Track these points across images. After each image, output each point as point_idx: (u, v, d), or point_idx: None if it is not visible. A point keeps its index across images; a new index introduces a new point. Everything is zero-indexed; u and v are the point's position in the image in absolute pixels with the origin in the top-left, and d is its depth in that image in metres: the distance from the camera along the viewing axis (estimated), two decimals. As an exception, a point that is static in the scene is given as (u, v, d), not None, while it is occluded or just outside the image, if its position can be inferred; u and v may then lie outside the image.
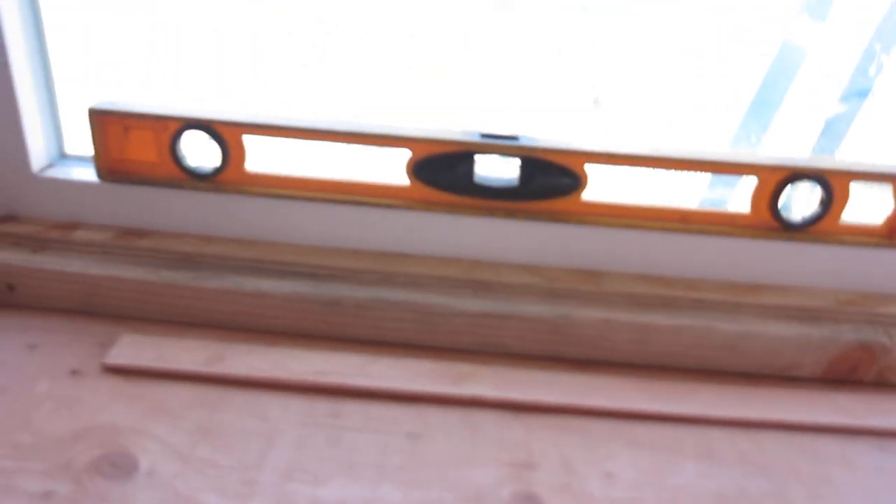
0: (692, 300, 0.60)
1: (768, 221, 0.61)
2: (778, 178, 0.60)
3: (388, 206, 0.61)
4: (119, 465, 0.46)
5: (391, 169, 0.61)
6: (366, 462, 0.47)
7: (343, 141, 0.58)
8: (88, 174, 0.62)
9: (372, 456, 0.48)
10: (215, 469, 0.46)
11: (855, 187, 0.60)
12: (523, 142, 0.58)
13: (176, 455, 0.47)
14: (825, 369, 0.59)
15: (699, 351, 0.58)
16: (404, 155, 0.59)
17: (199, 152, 0.60)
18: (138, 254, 0.61)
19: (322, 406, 0.52)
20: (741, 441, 0.52)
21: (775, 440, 0.53)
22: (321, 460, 0.47)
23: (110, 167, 0.61)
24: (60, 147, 0.65)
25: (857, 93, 1.85)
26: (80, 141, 0.63)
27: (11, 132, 0.60)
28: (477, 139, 0.58)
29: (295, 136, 0.58)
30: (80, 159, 0.64)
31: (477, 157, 0.58)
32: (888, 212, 0.61)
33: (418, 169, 0.59)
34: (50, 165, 0.64)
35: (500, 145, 0.58)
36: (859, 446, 0.53)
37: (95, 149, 0.59)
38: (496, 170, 0.59)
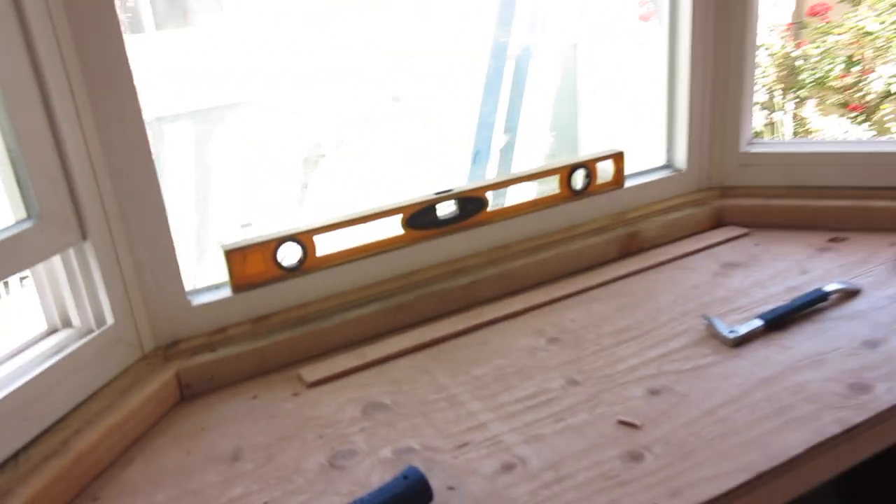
0: (547, 244, 1.17)
1: (568, 194, 1.20)
2: (567, 172, 1.19)
3: (395, 248, 1.07)
4: (339, 422, 0.88)
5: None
6: (455, 363, 0.95)
7: (368, 220, 1.04)
8: (223, 293, 0.98)
9: (447, 363, 0.96)
10: (393, 409, 0.90)
11: (602, 165, 1.22)
12: (455, 191, 1.09)
13: (375, 405, 0.90)
14: (618, 253, 1.20)
15: (559, 268, 1.15)
16: (399, 216, 1.06)
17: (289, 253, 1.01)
18: (273, 328, 1.00)
19: (421, 357, 0.98)
20: (581, 301, 1.10)
21: (600, 292, 1.11)
22: (423, 381, 0.94)
23: (238, 283, 0.98)
24: (195, 284, 1.00)
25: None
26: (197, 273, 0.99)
27: (172, 282, 0.95)
28: (433, 196, 1.08)
29: (343, 226, 1.02)
30: (210, 287, 1.00)
31: (437, 206, 1.08)
32: (612, 170, 1.24)
33: (408, 221, 1.07)
34: (199, 294, 0.99)
35: (444, 195, 1.09)
36: (644, 276, 1.14)
37: (230, 273, 0.97)
38: (448, 209, 1.10)
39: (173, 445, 0.85)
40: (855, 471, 0.81)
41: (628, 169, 1.24)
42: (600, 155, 1.22)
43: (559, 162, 1.19)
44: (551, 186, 1.19)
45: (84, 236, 0.86)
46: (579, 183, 1.21)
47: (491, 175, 3.00)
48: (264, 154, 2.94)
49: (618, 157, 1.23)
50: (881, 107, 4.23)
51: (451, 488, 0.74)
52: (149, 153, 0.90)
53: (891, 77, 4.15)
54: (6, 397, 0.77)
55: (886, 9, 4.08)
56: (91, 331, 0.90)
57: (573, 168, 1.19)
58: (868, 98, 4.21)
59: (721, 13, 1.25)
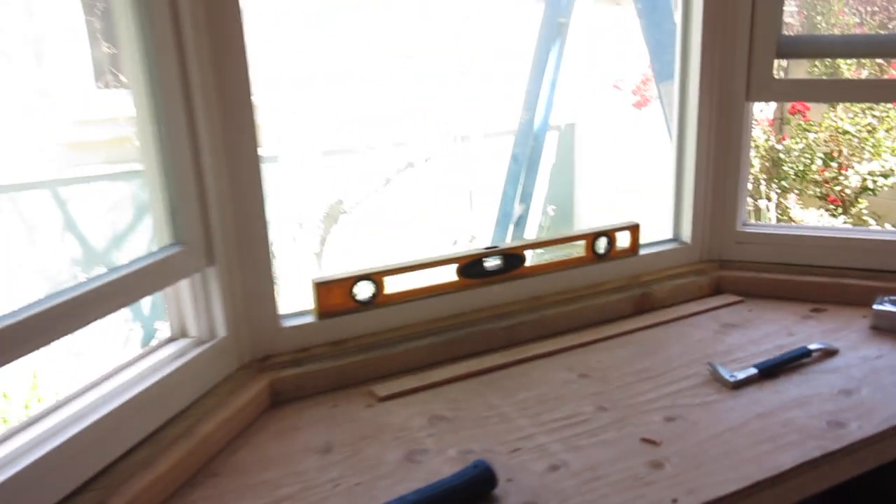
0: (574, 297, 1.37)
1: (592, 257, 1.41)
2: (592, 238, 1.40)
3: (450, 292, 1.27)
4: (409, 428, 1.06)
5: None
6: (502, 389, 1.14)
7: (428, 268, 1.23)
8: (308, 318, 1.17)
9: (496, 388, 1.14)
10: (455, 420, 1.08)
11: (620, 234, 1.43)
12: (500, 247, 1.30)
13: (438, 418, 1.08)
14: (633, 309, 1.40)
15: (584, 318, 1.35)
16: (454, 265, 1.26)
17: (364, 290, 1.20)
18: (348, 350, 1.18)
19: (473, 382, 1.17)
20: (605, 346, 1.29)
21: (620, 340, 1.31)
22: (478, 401, 1.12)
23: (321, 311, 1.17)
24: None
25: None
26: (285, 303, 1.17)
27: (270, 306, 1.13)
28: (483, 251, 1.28)
29: (407, 271, 1.22)
30: (298, 313, 1.18)
31: (485, 259, 1.28)
32: (629, 239, 1.45)
33: (461, 270, 1.27)
34: (289, 318, 1.17)
35: (491, 251, 1.29)
36: (656, 329, 1.34)
37: (316, 302, 1.16)
38: (494, 263, 1.30)
39: (271, 439, 1.03)
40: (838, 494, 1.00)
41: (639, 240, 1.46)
42: (619, 226, 1.43)
43: (586, 229, 1.40)
44: (577, 250, 1.41)
45: (211, 262, 1.05)
46: (601, 248, 1.42)
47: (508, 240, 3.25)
48: (285, 207, 3.13)
49: (634, 229, 1.44)
50: (858, 201, 4.54)
51: (509, 480, 0.92)
52: (262, 196, 1.09)
53: (867, 174, 4.47)
54: (149, 387, 0.95)
55: (858, 112, 4.43)
56: (205, 341, 1.08)
57: (597, 235, 1.41)
58: (845, 193, 4.52)
59: (722, 116, 1.48)
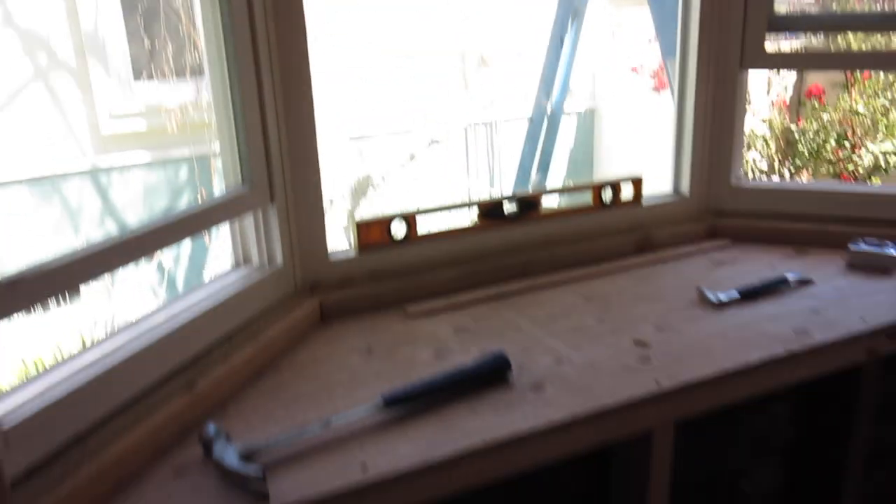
0: (582, 238, 1.55)
1: (599, 205, 1.59)
2: (598, 188, 1.58)
3: (471, 232, 1.46)
4: (438, 336, 1.25)
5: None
6: (517, 308, 1.33)
7: (454, 209, 1.43)
8: (350, 253, 1.37)
9: (512, 308, 1.33)
10: (476, 330, 1.28)
11: (624, 186, 1.61)
12: (518, 194, 1.49)
13: (462, 328, 1.27)
14: (634, 249, 1.59)
15: (590, 255, 1.53)
16: (476, 208, 1.46)
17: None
18: (385, 278, 1.38)
19: (492, 304, 1.36)
20: (608, 278, 1.48)
21: (622, 274, 1.49)
22: (496, 317, 1.32)
23: (361, 245, 1.37)
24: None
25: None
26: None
27: (319, 240, 1.33)
28: (502, 196, 1.47)
29: (436, 211, 1.41)
30: (342, 250, 1.38)
31: (504, 203, 1.48)
32: (631, 192, 1.63)
33: (483, 213, 1.46)
34: (334, 253, 1.37)
35: (509, 196, 1.48)
36: (654, 266, 1.52)
37: (357, 238, 1.36)
38: (512, 207, 1.49)
39: (324, 344, 1.23)
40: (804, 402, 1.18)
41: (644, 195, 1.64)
42: (623, 178, 1.62)
43: (593, 181, 1.58)
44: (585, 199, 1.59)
45: (272, 200, 1.25)
46: (607, 197, 1.60)
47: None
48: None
49: (637, 182, 1.63)
50: (871, 179, 4.66)
51: (521, 368, 1.11)
52: (316, 146, 1.29)
53: (880, 153, 4.58)
54: (224, 300, 1.15)
55: (871, 94, 4.55)
56: (265, 267, 1.28)
57: (603, 185, 1.59)
58: (858, 171, 4.64)
59: (719, 83, 1.66)
